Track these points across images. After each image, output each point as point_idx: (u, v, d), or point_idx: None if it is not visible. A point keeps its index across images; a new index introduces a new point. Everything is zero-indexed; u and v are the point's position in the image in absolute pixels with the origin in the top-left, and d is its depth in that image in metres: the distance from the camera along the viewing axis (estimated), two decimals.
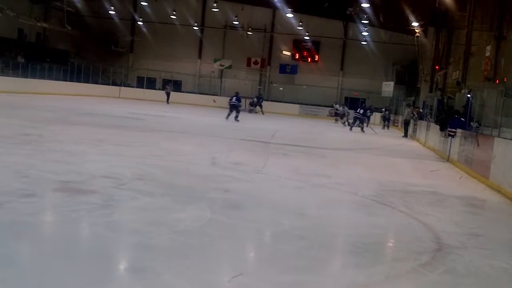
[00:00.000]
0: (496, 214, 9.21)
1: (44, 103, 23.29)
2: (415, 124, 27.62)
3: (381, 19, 36.07)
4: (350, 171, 12.36)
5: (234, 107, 27.56)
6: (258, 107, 40.18)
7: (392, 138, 27.50)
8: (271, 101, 44.38)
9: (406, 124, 29.07)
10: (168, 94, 41.14)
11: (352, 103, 39.65)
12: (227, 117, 27.17)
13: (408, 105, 31.06)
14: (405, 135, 28.44)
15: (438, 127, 19.17)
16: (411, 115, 28.43)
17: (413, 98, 34.61)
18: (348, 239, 6.36)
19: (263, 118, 34.95)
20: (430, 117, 23.30)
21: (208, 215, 6.62)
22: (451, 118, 17.47)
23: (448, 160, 16.53)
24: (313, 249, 5.65)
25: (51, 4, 44.79)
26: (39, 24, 42.96)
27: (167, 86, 42.84)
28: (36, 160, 9.25)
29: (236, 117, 27.17)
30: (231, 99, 28.11)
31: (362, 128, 28.82)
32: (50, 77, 37.52)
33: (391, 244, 6.62)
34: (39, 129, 14.38)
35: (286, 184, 9.71)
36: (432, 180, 12.12)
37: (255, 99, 40.37)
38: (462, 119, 16.98)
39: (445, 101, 22.13)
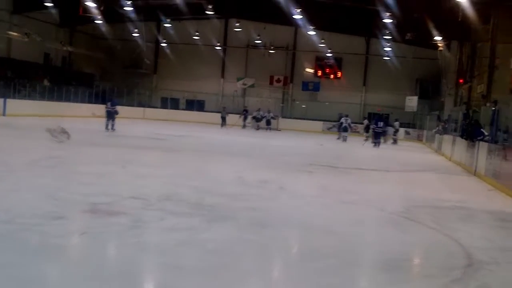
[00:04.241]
0: None
1: (71, 126, 23.48)
2: (440, 138, 27.50)
3: (404, 35, 35.97)
4: (378, 187, 12.25)
5: (110, 114, 24.49)
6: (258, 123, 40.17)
7: (418, 153, 27.31)
8: (294, 118, 44.44)
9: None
10: (223, 119, 39.71)
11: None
12: (105, 127, 24.06)
13: (380, 116, 33.67)
14: (374, 143, 30.01)
15: (464, 141, 19.01)
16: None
17: (437, 112, 34.41)
18: (378, 256, 6.31)
19: (283, 135, 34.73)
20: (456, 131, 23.11)
21: (237, 234, 6.62)
22: (475, 129, 17.53)
23: (475, 174, 16.34)
24: (343, 267, 5.62)
25: (77, 28, 45.58)
26: (64, 48, 43.74)
27: (222, 111, 41.24)
28: (64, 182, 9.37)
29: (112, 125, 24.16)
30: (106, 105, 25.10)
31: (379, 143, 28.88)
32: (75, 100, 38.08)
33: (421, 261, 6.54)
34: (66, 151, 14.58)
35: (313, 201, 9.67)
36: (461, 195, 11.97)
37: (266, 114, 40.16)
38: (482, 130, 17.02)
39: (471, 114, 21.94)
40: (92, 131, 23.43)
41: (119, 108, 25.55)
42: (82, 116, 34.24)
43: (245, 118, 40.75)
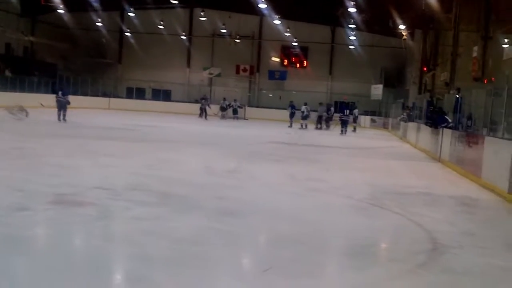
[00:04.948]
0: (489, 212, 9.26)
1: (34, 117, 23.17)
2: (405, 126, 27.90)
3: (369, 24, 36.29)
4: (345, 175, 12.38)
5: (61, 104, 23.35)
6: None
7: (384, 140, 27.62)
8: (261, 107, 44.47)
9: (319, 118, 33.80)
10: (204, 110, 37.57)
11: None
12: (58, 118, 23.22)
13: (321, 103, 36.03)
14: (317, 127, 33.19)
15: (428, 128, 19.28)
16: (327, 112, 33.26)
17: (402, 100, 34.80)
18: (345, 242, 6.38)
19: (250, 124, 34.65)
20: (420, 119, 23.42)
21: (204, 223, 6.61)
22: (439, 116, 17.78)
23: (439, 161, 16.61)
24: (311, 254, 5.66)
25: (38, 18, 44.71)
26: (26, 37, 42.86)
27: (203, 101, 38.59)
28: (29, 174, 9.23)
29: (64, 116, 23.28)
30: (57, 95, 23.79)
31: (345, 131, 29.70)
32: (38, 91, 37.35)
33: (387, 246, 6.65)
34: (31, 143, 14.34)
35: (281, 189, 9.71)
36: (426, 181, 12.17)
37: (232, 104, 39.90)
38: (445, 117, 17.29)
39: (435, 102, 22.24)
40: (56, 122, 23.01)
41: (70, 97, 24.75)
42: (46, 107, 33.70)
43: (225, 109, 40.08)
